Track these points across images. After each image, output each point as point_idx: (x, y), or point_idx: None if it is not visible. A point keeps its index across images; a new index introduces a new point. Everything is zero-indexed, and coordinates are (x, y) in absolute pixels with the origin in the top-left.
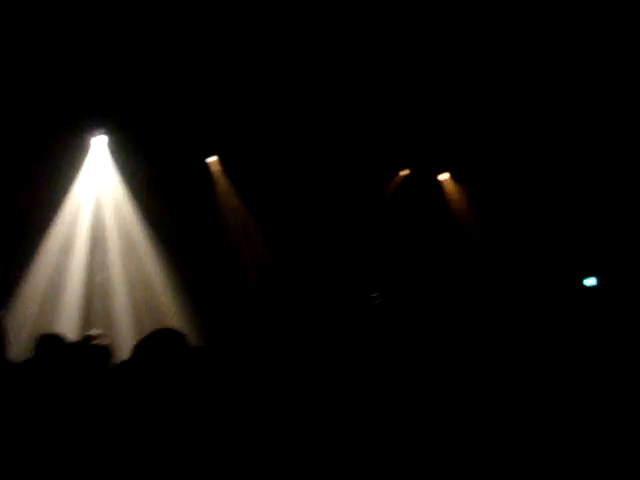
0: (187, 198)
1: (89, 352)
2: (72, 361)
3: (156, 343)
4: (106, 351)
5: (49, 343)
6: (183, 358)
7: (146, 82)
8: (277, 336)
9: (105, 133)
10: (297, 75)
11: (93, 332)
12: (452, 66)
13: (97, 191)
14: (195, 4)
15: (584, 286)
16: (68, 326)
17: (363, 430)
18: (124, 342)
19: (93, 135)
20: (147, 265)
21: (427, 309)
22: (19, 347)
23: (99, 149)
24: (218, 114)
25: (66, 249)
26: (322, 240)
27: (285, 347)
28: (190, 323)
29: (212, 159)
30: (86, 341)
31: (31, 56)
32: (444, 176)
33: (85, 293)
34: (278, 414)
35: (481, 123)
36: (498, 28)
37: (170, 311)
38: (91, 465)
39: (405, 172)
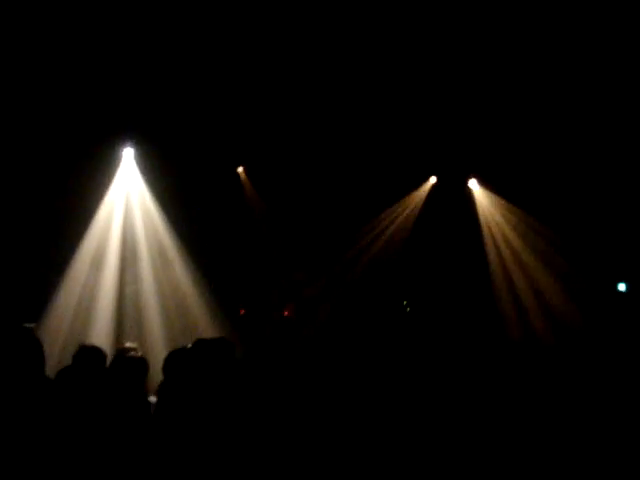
0: (215, 207)
1: (125, 364)
2: (110, 373)
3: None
4: (142, 363)
5: (89, 354)
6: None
7: (170, 98)
8: (309, 346)
9: (133, 145)
10: (322, 86)
11: (127, 345)
12: (479, 72)
13: (127, 202)
14: (216, 25)
15: (618, 291)
16: (100, 338)
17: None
18: (156, 353)
19: (122, 147)
20: (177, 274)
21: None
22: (52, 359)
23: (128, 161)
24: (241, 124)
25: (98, 261)
26: (350, 249)
27: (318, 357)
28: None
29: (240, 169)
30: (121, 353)
31: (70, 78)
32: (473, 182)
33: (117, 304)
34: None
35: (509, 126)
36: (524, 36)
37: (201, 321)
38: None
39: (433, 180)
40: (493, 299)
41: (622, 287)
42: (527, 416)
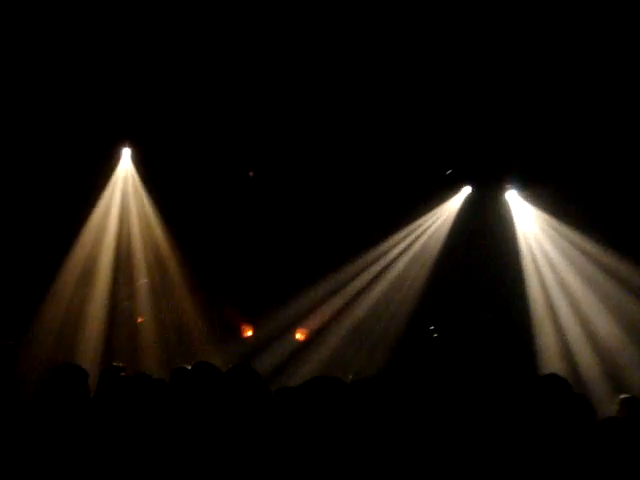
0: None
1: (115, 383)
2: (95, 394)
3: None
4: (131, 382)
5: (66, 374)
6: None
7: (173, 94)
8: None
9: (130, 145)
10: (341, 84)
11: (115, 364)
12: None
13: (123, 207)
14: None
15: None
16: (88, 358)
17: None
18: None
19: (119, 147)
20: (177, 290)
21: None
22: (35, 377)
23: (126, 162)
24: (250, 126)
25: (88, 273)
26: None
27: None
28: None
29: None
30: (108, 373)
31: (69, 78)
32: (511, 193)
33: (108, 322)
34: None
35: (556, 127)
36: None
37: (197, 332)
38: None
39: (466, 189)
40: (531, 329)
41: None
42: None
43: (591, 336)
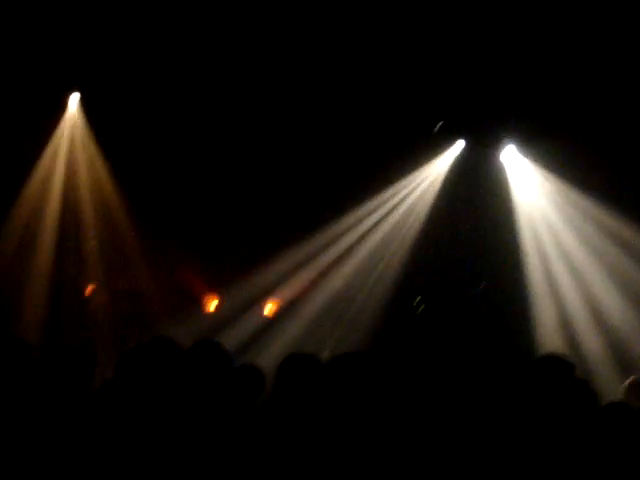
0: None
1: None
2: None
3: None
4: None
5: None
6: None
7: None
8: None
9: (79, 90)
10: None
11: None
12: None
13: (70, 161)
14: None
15: None
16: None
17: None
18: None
19: (67, 92)
20: (128, 249)
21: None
22: None
23: (73, 106)
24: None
25: (29, 238)
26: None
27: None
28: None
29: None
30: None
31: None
32: (510, 149)
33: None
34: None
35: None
36: None
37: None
38: None
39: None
40: (528, 302)
41: None
42: None
43: (596, 313)
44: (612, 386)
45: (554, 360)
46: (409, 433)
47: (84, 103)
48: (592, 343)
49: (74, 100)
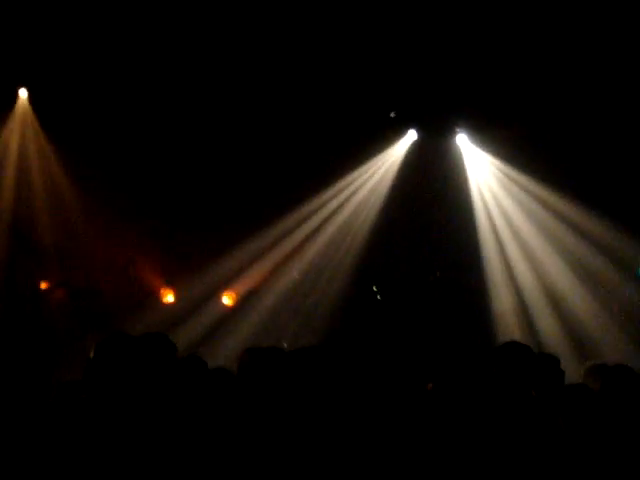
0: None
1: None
2: None
3: None
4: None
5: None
6: None
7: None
8: None
9: (28, 85)
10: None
11: None
12: None
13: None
14: None
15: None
16: None
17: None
18: None
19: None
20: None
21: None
22: None
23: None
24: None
25: None
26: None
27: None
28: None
29: None
30: None
31: None
32: (461, 138)
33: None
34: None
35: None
36: None
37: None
38: None
39: (412, 134)
40: (486, 290)
41: None
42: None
43: (549, 293)
44: (570, 371)
45: (515, 347)
46: (370, 423)
47: (32, 97)
48: (549, 328)
49: (23, 95)
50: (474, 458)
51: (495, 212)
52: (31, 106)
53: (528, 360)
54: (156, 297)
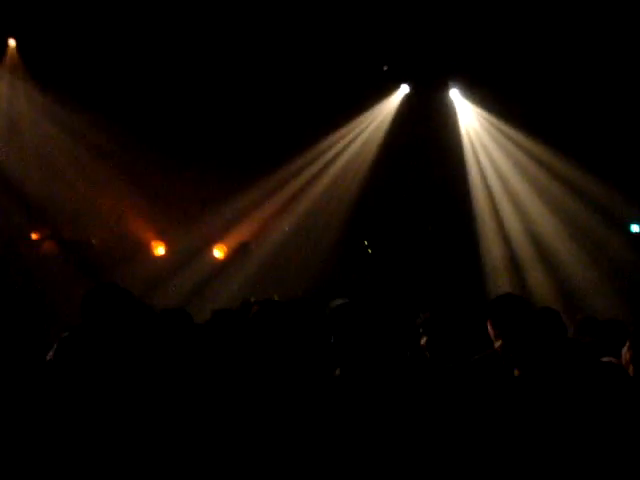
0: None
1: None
2: None
3: None
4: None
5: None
6: None
7: None
8: None
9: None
10: None
11: None
12: None
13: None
14: None
15: (632, 233)
16: None
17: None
18: None
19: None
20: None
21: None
22: None
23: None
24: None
25: None
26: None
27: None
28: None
29: None
30: None
31: None
32: (454, 92)
33: None
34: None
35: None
36: None
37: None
38: None
39: (404, 89)
40: (477, 243)
41: (637, 229)
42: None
43: (539, 247)
44: None
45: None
46: (363, 374)
47: (21, 47)
48: (538, 280)
49: (12, 45)
50: (475, 414)
51: (487, 166)
52: (19, 56)
53: (528, 313)
54: (147, 250)
